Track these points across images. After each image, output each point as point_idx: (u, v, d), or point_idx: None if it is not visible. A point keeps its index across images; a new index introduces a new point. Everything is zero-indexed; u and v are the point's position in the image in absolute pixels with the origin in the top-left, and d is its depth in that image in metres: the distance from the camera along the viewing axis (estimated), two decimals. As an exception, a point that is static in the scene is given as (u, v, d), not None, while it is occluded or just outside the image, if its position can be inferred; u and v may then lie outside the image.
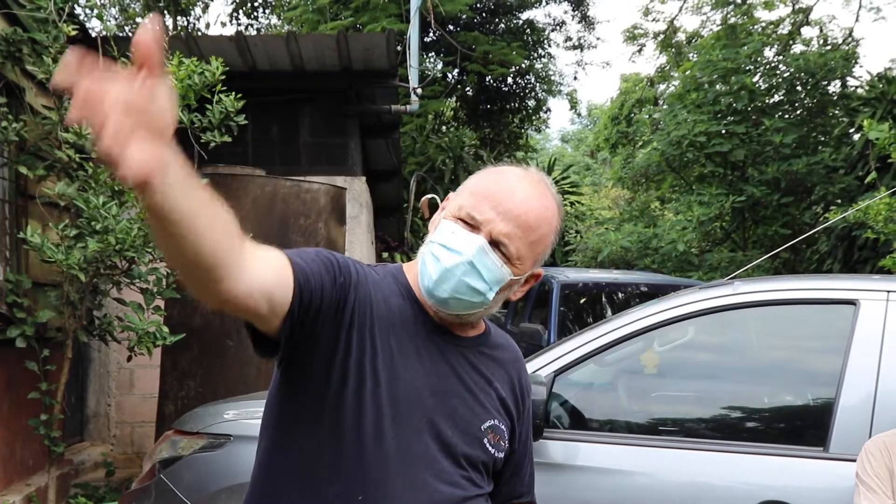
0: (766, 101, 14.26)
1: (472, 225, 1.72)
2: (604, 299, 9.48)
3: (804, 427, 3.46)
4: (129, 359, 5.89)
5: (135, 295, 5.85)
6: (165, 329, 5.57)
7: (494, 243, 1.72)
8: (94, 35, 6.69)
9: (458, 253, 1.71)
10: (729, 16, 18.04)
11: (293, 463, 1.72)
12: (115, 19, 19.77)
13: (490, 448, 1.82)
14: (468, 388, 1.81)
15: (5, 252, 6.20)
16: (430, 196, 2.14)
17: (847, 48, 15.79)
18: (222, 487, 3.71)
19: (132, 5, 20.23)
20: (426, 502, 1.70)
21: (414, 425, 1.70)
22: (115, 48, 5.95)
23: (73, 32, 5.83)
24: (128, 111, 1.20)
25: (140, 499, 4.06)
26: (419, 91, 9.75)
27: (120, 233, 5.24)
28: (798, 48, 16.32)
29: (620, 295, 9.42)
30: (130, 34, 14.09)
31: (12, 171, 6.17)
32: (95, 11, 7.20)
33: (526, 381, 2.03)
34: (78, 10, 7.20)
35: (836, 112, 14.50)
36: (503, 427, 1.86)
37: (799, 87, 14.18)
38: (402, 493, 1.68)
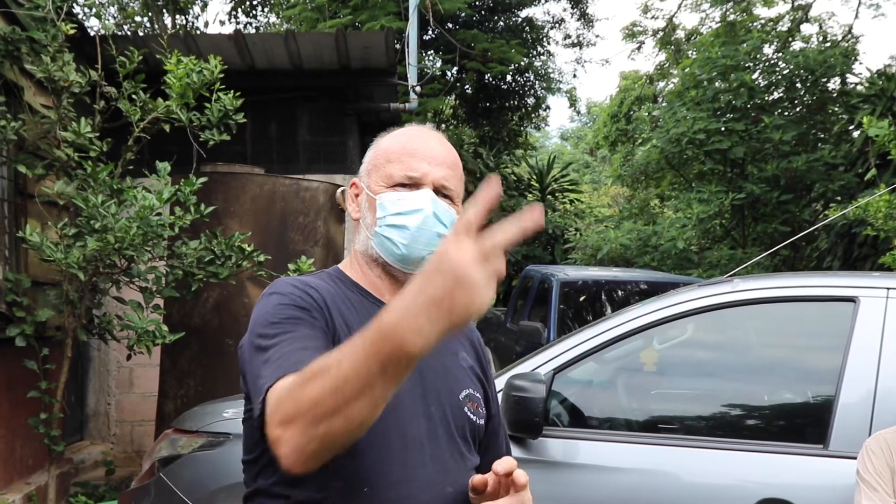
0: (766, 98, 14.26)
1: (412, 184, 1.79)
2: (603, 297, 9.48)
3: (804, 424, 3.46)
4: (129, 357, 5.89)
5: (134, 294, 5.85)
6: (165, 328, 5.57)
7: (436, 190, 1.79)
8: (92, 34, 6.69)
9: (418, 211, 1.76)
10: (728, 13, 18.04)
11: None
12: (114, 18, 19.77)
13: (472, 416, 1.85)
14: (439, 362, 1.82)
15: (4, 251, 6.20)
16: (341, 188, 2.18)
17: (847, 45, 15.79)
18: (221, 486, 3.71)
19: (131, 4, 20.24)
20: (428, 483, 1.72)
21: (403, 412, 1.71)
22: (114, 47, 5.94)
23: (72, 31, 5.82)
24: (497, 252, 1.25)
25: (139, 497, 4.06)
26: (418, 89, 9.75)
27: (119, 231, 5.24)
28: (797, 45, 16.31)
29: (620, 292, 9.42)
30: (129, 33, 14.11)
31: (11, 170, 6.17)
32: (94, 10, 7.20)
33: (482, 342, 2.05)
34: (76, 9, 7.19)
35: (836, 109, 14.48)
36: (478, 394, 1.89)
37: (798, 85, 14.17)
38: (403, 478, 1.69)
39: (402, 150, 1.82)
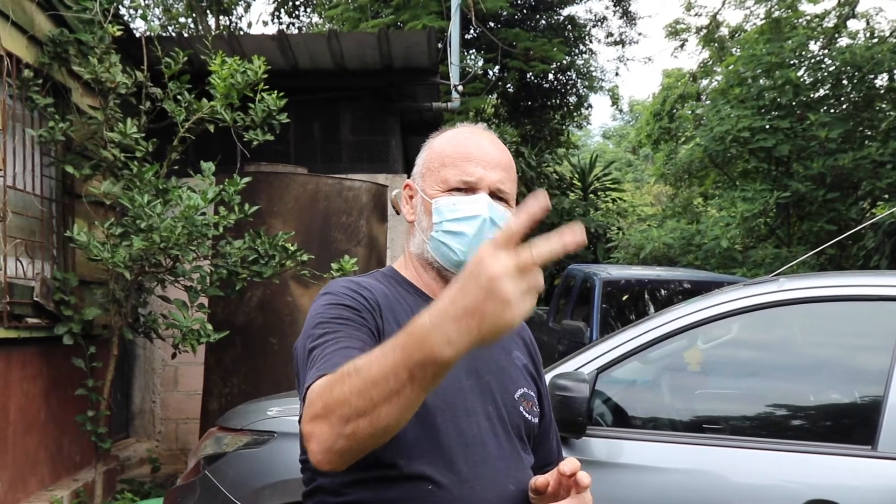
0: (811, 95, 14.09)
1: (468, 188, 1.77)
2: (646, 296, 9.42)
3: (852, 425, 3.42)
4: (174, 356, 5.94)
5: (179, 293, 5.90)
6: (209, 326, 5.62)
7: (492, 194, 1.78)
8: (138, 35, 6.76)
9: (475, 217, 1.75)
10: (773, 9, 17.84)
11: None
12: (159, 19, 19.98)
13: (527, 415, 1.85)
14: (494, 361, 1.83)
15: (52, 250, 6.28)
16: (395, 192, 2.17)
17: (894, 41, 15.56)
18: (266, 484, 3.74)
19: (175, 5, 20.43)
20: (491, 481, 1.71)
21: (461, 411, 1.72)
22: (159, 48, 6.00)
23: (118, 33, 5.90)
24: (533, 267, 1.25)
25: (185, 495, 4.10)
26: (460, 88, 9.74)
27: (164, 231, 5.29)
28: (844, 41, 16.10)
29: (663, 292, 9.36)
30: (174, 34, 14.24)
31: (59, 170, 6.25)
32: (140, 12, 7.27)
33: (533, 341, 2.05)
34: (122, 11, 7.28)
35: (884, 106, 14.28)
36: (532, 393, 1.89)
37: (845, 81, 13.98)
38: (467, 476, 1.68)
39: (456, 153, 1.80)
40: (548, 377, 3.43)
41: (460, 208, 1.76)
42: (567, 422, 3.26)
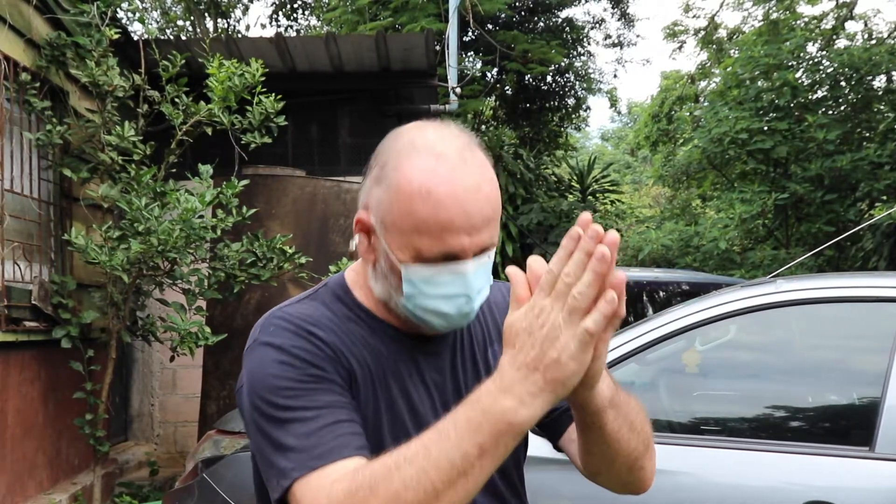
0: (809, 97, 14.09)
1: (449, 256, 1.43)
2: (645, 298, 9.41)
3: (849, 427, 3.42)
4: (172, 359, 5.94)
5: (177, 295, 5.90)
6: (207, 329, 5.61)
7: (478, 252, 1.46)
8: (135, 39, 6.76)
9: (460, 296, 1.46)
10: (771, 11, 17.86)
11: None
12: (157, 22, 19.99)
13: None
14: (466, 379, 1.61)
15: (50, 254, 6.28)
16: (354, 244, 1.82)
17: (892, 42, 15.57)
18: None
19: (173, 8, 20.44)
20: None
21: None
22: (157, 51, 6.01)
23: (116, 36, 5.90)
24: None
25: (183, 498, 4.10)
26: (458, 90, 9.75)
27: (162, 234, 5.29)
28: (842, 43, 16.11)
29: (661, 293, 9.34)
30: (171, 37, 14.24)
31: (57, 173, 6.25)
32: (137, 15, 7.29)
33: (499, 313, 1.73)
34: (120, 14, 7.28)
35: (882, 107, 14.27)
36: None
37: (843, 83, 13.97)
38: None
39: (433, 220, 1.40)
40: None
41: (438, 282, 1.45)
42: (565, 424, 3.25)
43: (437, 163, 1.41)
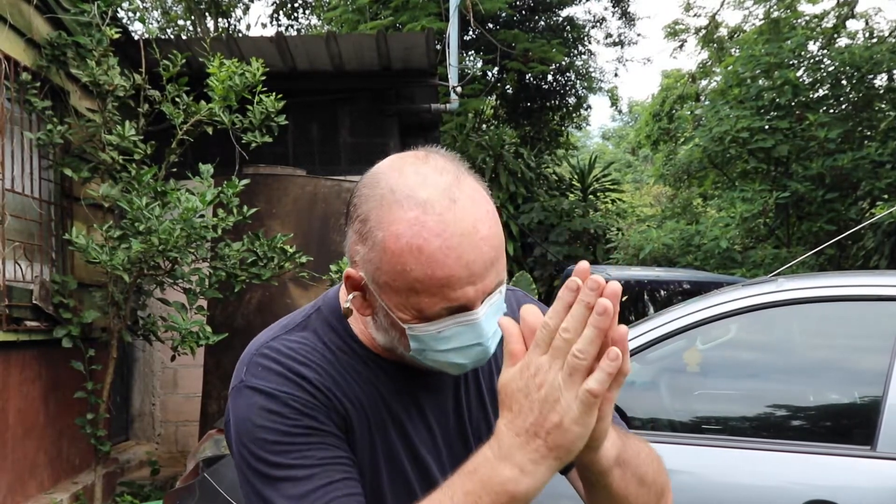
0: (810, 95, 14.08)
1: (458, 308, 1.30)
2: (646, 297, 9.42)
3: (851, 426, 3.41)
4: (173, 358, 5.94)
5: (178, 295, 5.90)
6: (208, 329, 5.61)
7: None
8: (136, 38, 6.76)
9: (472, 346, 1.33)
10: (772, 10, 17.84)
11: None
12: (157, 22, 19.99)
13: None
14: (483, 409, 1.52)
15: (51, 253, 6.28)
16: (346, 304, 1.58)
17: (894, 41, 15.55)
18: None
19: (174, 8, 20.44)
20: None
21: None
22: (157, 51, 6.00)
23: (116, 36, 5.90)
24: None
25: (184, 497, 4.09)
26: (459, 90, 9.75)
27: (163, 233, 5.29)
28: (843, 42, 16.10)
29: (662, 292, 9.35)
30: (172, 37, 14.25)
31: (57, 173, 6.25)
32: (138, 14, 7.28)
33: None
34: (121, 14, 7.28)
35: (883, 106, 14.27)
36: None
37: (844, 82, 13.97)
38: None
39: (431, 279, 1.26)
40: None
41: (448, 336, 1.31)
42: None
43: (424, 213, 1.26)
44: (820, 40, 16.04)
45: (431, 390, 1.46)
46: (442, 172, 1.33)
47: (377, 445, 1.40)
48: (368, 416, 1.39)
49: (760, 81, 14.04)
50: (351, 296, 1.37)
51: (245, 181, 5.69)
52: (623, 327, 1.14)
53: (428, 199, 1.27)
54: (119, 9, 6.58)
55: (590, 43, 21.75)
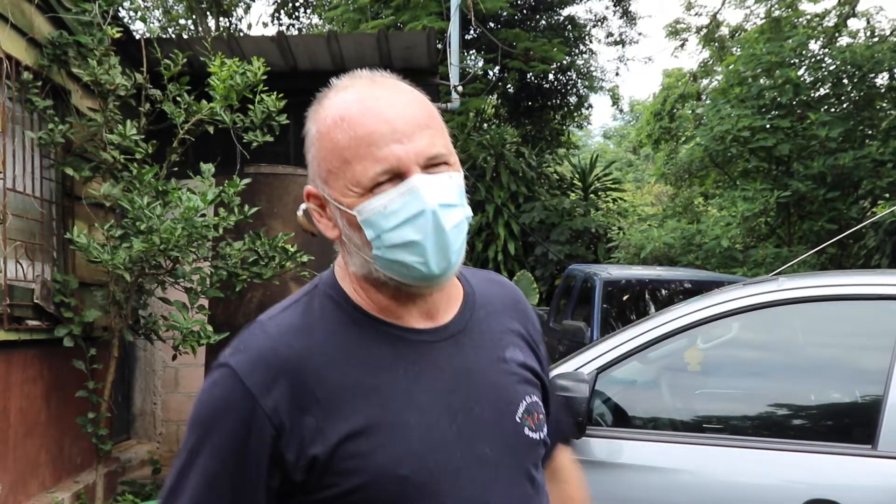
0: (812, 94, 14.09)
1: (392, 177, 1.33)
2: (647, 296, 9.42)
3: (852, 425, 3.42)
4: (174, 357, 5.94)
5: (179, 294, 5.90)
6: (209, 328, 5.61)
7: (427, 165, 1.35)
8: (137, 37, 6.76)
9: (421, 213, 1.32)
10: (773, 9, 17.84)
11: None
12: (159, 21, 20.00)
13: (534, 434, 1.49)
14: (485, 380, 1.47)
15: (52, 253, 6.28)
16: (302, 208, 1.71)
17: (895, 40, 15.55)
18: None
19: (175, 7, 20.45)
20: None
21: (450, 473, 1.37)
22: (159, 50, 6.01)
23: (118, 35, 5.89)
24: None
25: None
26: (460, 89, 9.74)
27: (164, 233, 5.29)
28: (844, 40, 16.10)
29: (664, 292, 9.36)
30: (173, 36, 14.25)
31: (59, 172, 6.25)
32: (139, 14, 7.28)
33: (531, 315, 1.64)
34: (122, 13, 7.28)
35: (884, 105, 14.27)
36: (536, 397, 1.53)
37: (845, 81, 13.97)
38: None
39: (355, 140, 1.32)
40: (548, 377, 3.43)
41: (394, 209, 1.33)
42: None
43: (346, 92, 1.37)
44: (821, 39, 16.05)
45: (435, 348, 1.45)
46: (370, 75, 1.42)
47: (375, 411, 1.36)
48: (365, 387, 1.37)
49: (762, 80, 14.05)
50: (303, 208, 1.48)
51: (246, 180, 5.69)
52: None
53: (351, 84, 1.39)
54: (120, 8, 6.59)
55: (591, 42, 21.81)
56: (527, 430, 1.48)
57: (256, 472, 1.33)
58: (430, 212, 1.32)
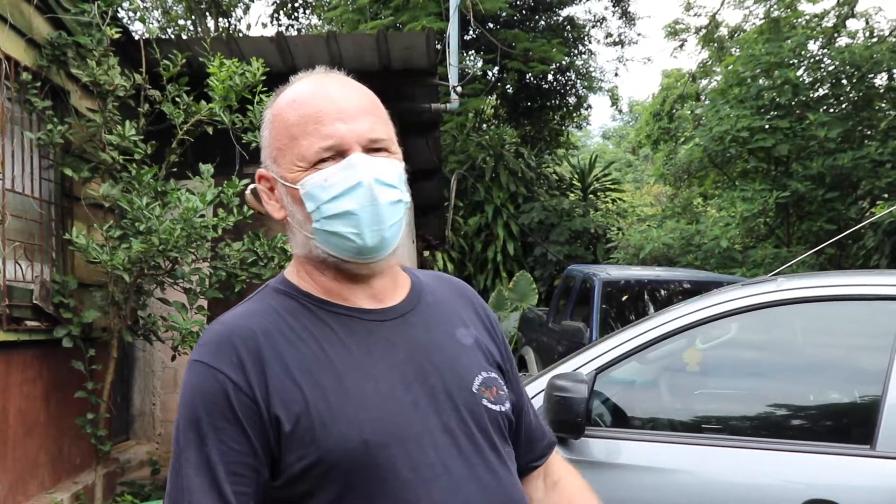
0: (811, 95, 14.09)
1: (335, 154, 1.45)
2: (646, 296, 9.42)
3: (850, 425, 3.42)
4: (174, 358, 5.94)
5: (178, 295, 5.90)
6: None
7: (368, 148, 1.46)
8: (136, 38, 6.76)
9: (358, 186, 1.43)
10: (772, 9, 17.84)
11: None
12: (158, 22, 20.00)
13: (494, 406, 1.53)
14: (438, 353, 1.51)
15: (52, 253, 6.28)
16: (247, 185, 1.74)
17: (894, 40, 15.55)
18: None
19: (174, 8, 20.45)
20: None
21: (410, 437, 1.41)
22: (158, 51, 6.01)
23: (117, 35, 5.90)
24: None
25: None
26: (459, 89, 9.76)
27: (163, 233, 5.29)
28: (843, 41, 16.10)
29: (663, 292, 9.36)
30: (172, 36, 14.25)
31: (58, 173, 6.25)
32: (138, 14, 7.28)
33: (484, 305, 1.72)
34: (121, 14, 7.28)
35: (883, 105, 14.27)
36: (493, 374, 1.57)
37: (844, 81, 13.96)
38: None
39: (303, 117, 1.46)
40: (546, 378, 3.43)
41: (333, 182, 1.43)
42: (565, 422, 3.26)
43: (301, 82, 1.54)
44: (820, 40, 16.05)
45: (376, 332, 1.50)
46: (326, 71, 1.59)
47: (332, 382, 1.41)
48: (320, 361, 1.43)
49: (761, 81, 14.05)
50: (250, 185, 1.60)
51: (245, 181, 5.69)
52: None
53: (305, 76, 1.57)
54: (119, 9, 6.58)
55: (590, 42, 21.80)
56: (486, 401, 1.52)
57: (258, 443, 1.38)
58: (367, 185, 1.43)
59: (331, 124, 1.44)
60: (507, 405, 1.58)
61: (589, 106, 22.29)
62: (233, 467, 1.36)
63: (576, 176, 20.69)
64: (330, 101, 1.47)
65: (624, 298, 9.45)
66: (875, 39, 15.21)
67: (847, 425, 3.44)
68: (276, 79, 6.77)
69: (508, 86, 20.10)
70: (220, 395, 1.37)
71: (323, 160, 1.44)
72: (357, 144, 1.45)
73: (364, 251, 1.46)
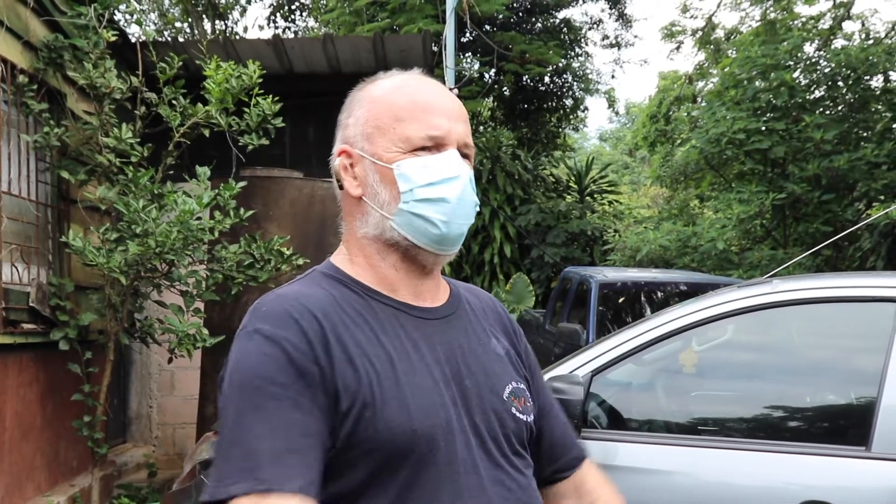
0: (807, 97, 14.08)
1: (435, 145, 1.50)
2: (642, 298, 9.42)
3: (846, 426, 3.42)
4: (170, 361, 5.94)
5: (175, 297, 5.91)
6: (205, 331, 5.62)
7: (462, 150, 1.53)
8: (133, 41, 6.76)
9: (455, 178, 1.49)
10: (768, 11, 17.87)
11: None
12: (154, 24, 19.99)
13: (521, 415, 1.57)
14: (474, 359, 1.55)
15: (48, 256, 6.28)
16: (338, 160, 1.62)
17: (890, 42, 15.56)
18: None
19: (171, 10, 20.44)
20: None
21: (445, 433, 1.44)
22: (154, 53, 6.01)
23: (113, 38, 5.90)
24: None
25: (181, 500, 4.09)
26: (456, 91, 9.75)
27: (160, 236, 5.29)
28: (839, 43, 16.11)
29: (659, 294, 9.36)
30: (169, 39, 14.24)
31: (54, 175, 6.25)
32: (135, 17, 7.28)
33: (512, 319, 1.76)
34: (118, 16, 7.28)
35: (879, 107, 14.27)
36: (521, 385, 1.61)
37: (840, 83, 13.96)
38: None
39: (413, 104, 1.50)
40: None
41: (433, 170, 1.48)
42: (562, 424, 3.26)
43: (402, 75, 1.59)
44: (816, 42, 16.06)
45: (430, 325, 1.54)
46: (423, 73, 1.61)
47: (384, 365, 1.43)
48: (375, 342, 1.45)
49: (757, 83, 14.05)
50: (338, 160, 1.58)
51: (242, 183, 5.69)
52: None
53: (401, 74, 1.60)
54: (116, 11, 6.59)
55: (587, 45, 21.82)
56: (514, 410, 1.56)
57: (324, 411, 1.37)
58: (461, 182, 1.49)
59: (439, 117, 1.50)
60: (532, 416, 1.61)
61: (585, 108, 22.33)
62: (306, 429, 1.34)
63: (572, 178, 20.68)
64: (438, 96, 1.53)
65: (620, 300, 9.45)
66: (871, 41, 15.24)
67: (842, 427, 3.44)
68: (273, 81, 6.77)
69: (505, 88, 20.10)
70: (292, 361, 1.36)
71: (423, 148, 1.49)
72: (455, 142, 1.51)
73: (443, 240, 1.50)
